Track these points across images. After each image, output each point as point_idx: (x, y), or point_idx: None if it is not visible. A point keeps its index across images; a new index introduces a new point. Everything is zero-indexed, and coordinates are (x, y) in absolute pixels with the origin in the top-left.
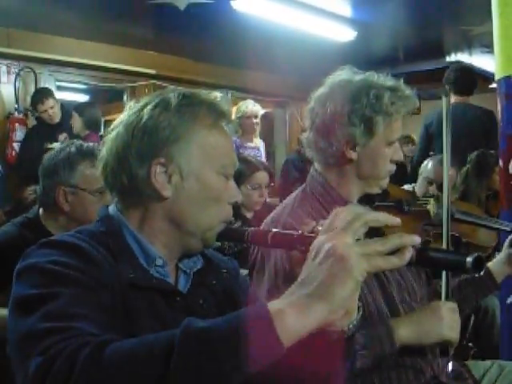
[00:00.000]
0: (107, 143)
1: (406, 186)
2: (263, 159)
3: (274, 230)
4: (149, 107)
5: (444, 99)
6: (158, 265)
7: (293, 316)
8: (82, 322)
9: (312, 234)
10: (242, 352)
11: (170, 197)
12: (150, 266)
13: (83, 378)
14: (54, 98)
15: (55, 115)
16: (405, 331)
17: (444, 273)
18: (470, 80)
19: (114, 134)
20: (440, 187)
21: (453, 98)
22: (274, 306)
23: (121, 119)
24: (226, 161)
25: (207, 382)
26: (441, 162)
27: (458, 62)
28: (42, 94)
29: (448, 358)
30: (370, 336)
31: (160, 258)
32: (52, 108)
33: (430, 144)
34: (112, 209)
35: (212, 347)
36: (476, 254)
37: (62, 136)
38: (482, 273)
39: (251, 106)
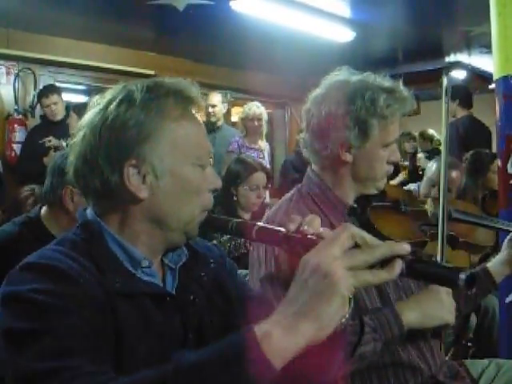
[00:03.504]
0: (74, 147)
1: (412, 186)
2: (267, 162)
3: (260, 224)
4: (113, 105)
5: (445, 105)
6: (144, 266)
7: (280, 336)
8: (77, 357)
9: (296, 235)
10: (233, 382)
11: (146, 197)
12: (136, 269)
13: None
14: (59, 95)
15: (58, 112)
16: (409, 315)
17: None
18: (470, 94)
19: (80, 136)
20: None
21: (462, 112)
22: (261, 328)
23: (86, 120)
24: (200, 151)
25: None
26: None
27: (457, 64)
28: (47, 89)
29: (439, 339)
30: (378, 320)
31: (145, 259)
32: (55, 104)
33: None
34: (90, 213)
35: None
36: (469, 272)
37: (47, 139)
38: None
39: (254, 108)
